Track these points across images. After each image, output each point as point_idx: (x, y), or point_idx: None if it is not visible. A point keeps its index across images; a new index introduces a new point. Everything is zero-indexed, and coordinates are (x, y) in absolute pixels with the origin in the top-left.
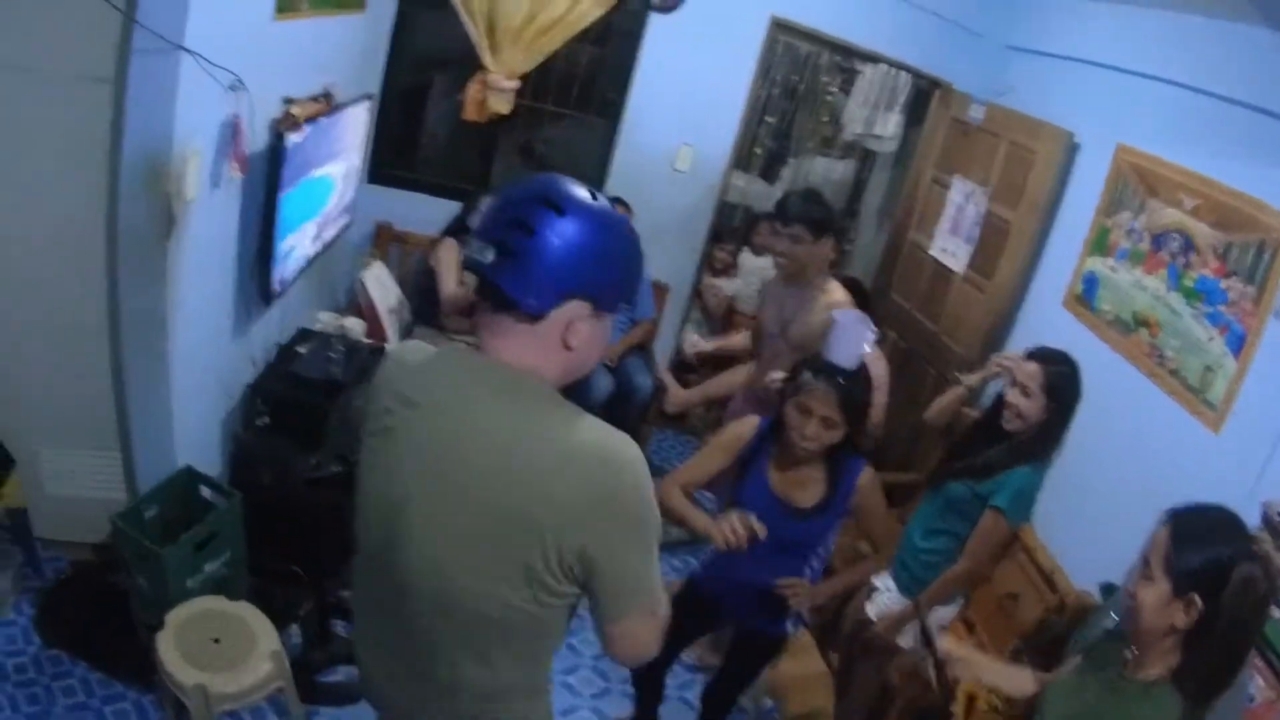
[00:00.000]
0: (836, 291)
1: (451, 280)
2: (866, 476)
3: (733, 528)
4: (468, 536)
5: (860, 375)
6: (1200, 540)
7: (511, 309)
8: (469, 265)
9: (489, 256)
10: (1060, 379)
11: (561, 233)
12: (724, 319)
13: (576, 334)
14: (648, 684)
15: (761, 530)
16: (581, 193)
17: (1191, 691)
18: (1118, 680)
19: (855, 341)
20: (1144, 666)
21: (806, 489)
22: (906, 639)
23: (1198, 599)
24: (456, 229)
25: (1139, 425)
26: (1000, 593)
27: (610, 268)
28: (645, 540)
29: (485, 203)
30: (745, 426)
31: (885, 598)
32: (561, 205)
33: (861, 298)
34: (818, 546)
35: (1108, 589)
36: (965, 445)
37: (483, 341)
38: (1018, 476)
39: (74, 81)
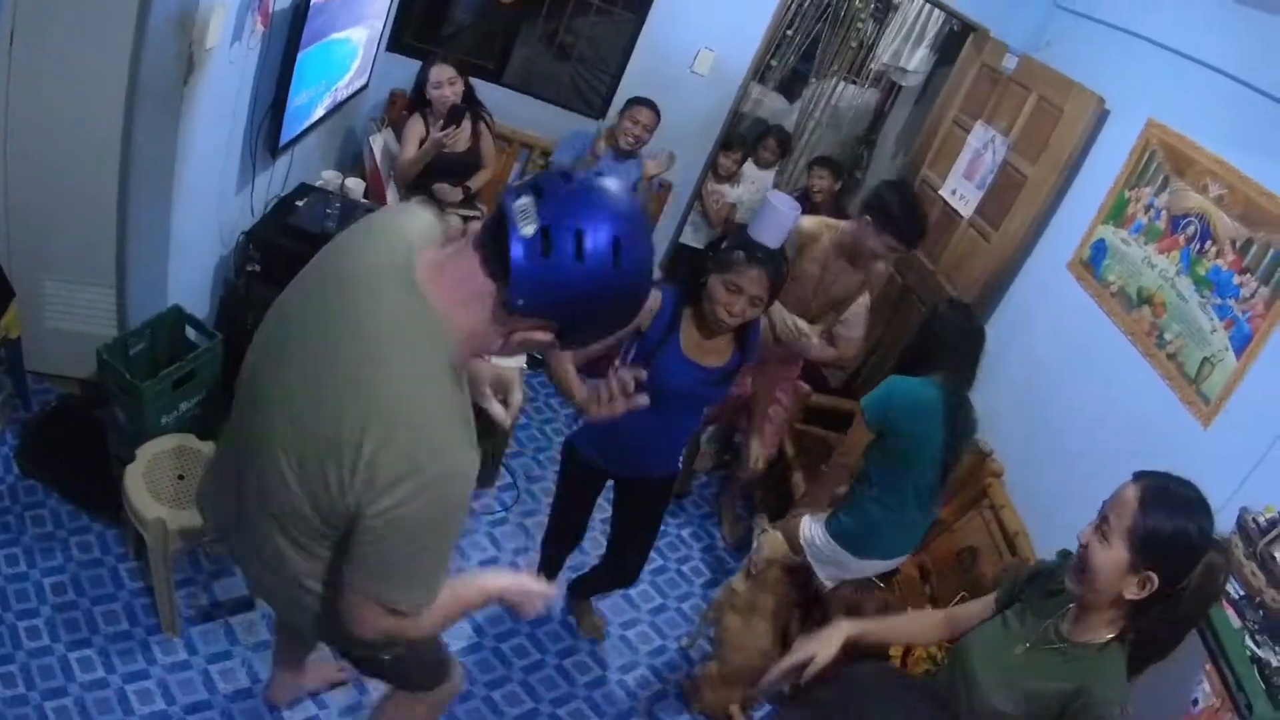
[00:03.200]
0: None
1: (410, 149)
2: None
3: (611, 395)
4: (299, 421)
5: (782, 253)
6: (1170, 511)
7: (497, 281)
8: (503, 212)
9: (530, 230)
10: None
11: (601, 277)
12: (724, 225)
13: (523, 341)
14: (553, 565)
15: (643, 400)
16: (644, 248)
17: (1136, 659)
18: (1056, 640)
19: (783, 222)
20: (1084, 630)
21: (716, 353)
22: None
23: (1155, 577)
24: (417, 99)
25: (1129, 404)
26: (959, 545)
27: (603, 324)
28: (420, 539)
29: (436, 72)
30: (653, 300)
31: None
32: (622, 257)
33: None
34: (700, 407)
35: (1064, 554)
36: None
37: (441, 268)
38: (893, 381)
39: None
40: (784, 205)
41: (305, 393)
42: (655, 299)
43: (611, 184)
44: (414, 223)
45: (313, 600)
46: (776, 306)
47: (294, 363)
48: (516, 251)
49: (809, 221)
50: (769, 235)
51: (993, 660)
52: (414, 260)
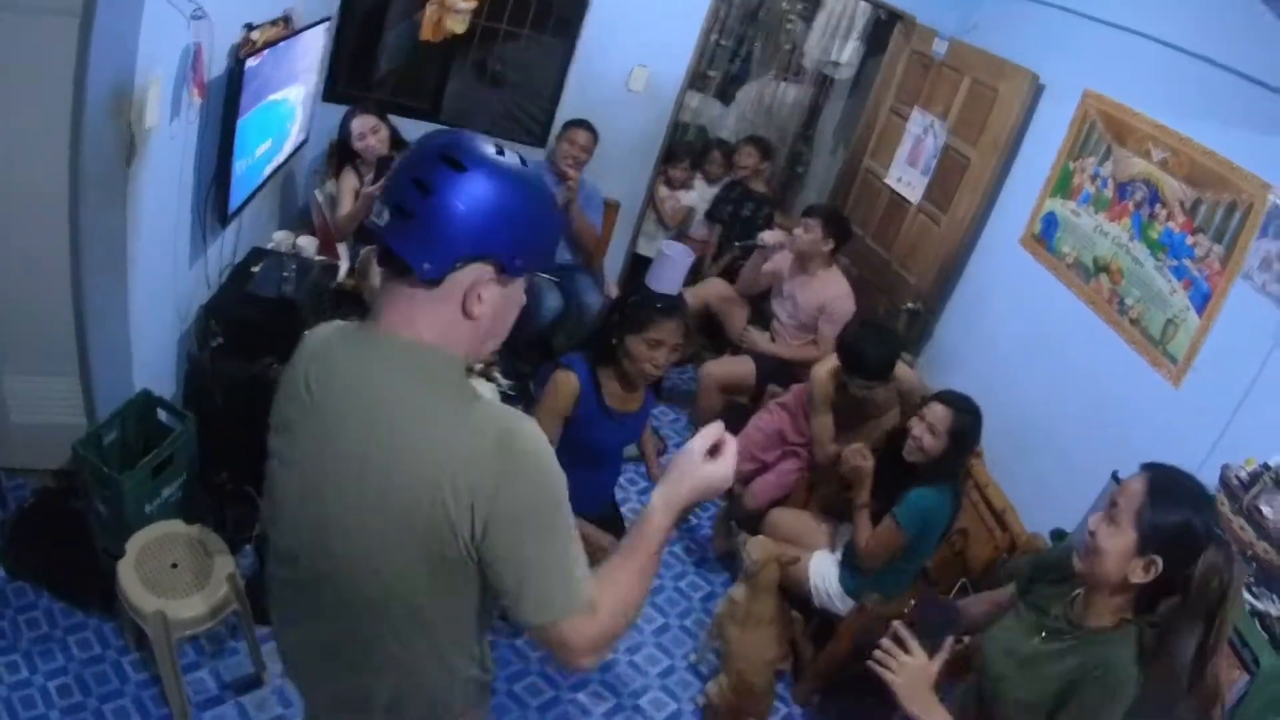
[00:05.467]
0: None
1: (345, 204)
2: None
3: None
4: (375, 526)
5: (681, 299)
6: (1175, 501)
7: (407, 274)
8: (370, 229)
9: (384, 218)
10: (966, 425)
11: (462, 191)
12: (680, 227)
13: (480, 301)
14: None
15: None
16: (487, 149)
17: (1150, 646)
18: (1067, 627)
19: (679, 271)
20: (1093, 615)
21: (635, 399)
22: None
23: (1159, 561)
24: (344, 152)
25: (1097, 372)
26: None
27: (517, 227)
28: (549, 525)
29: (358, 124)
30: (569, 384)
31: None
32: (463, 162)
33: (842, 227)
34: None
35: (1058, 535)
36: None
37: (383, 313)
38: (919, 493)
39: (41, 14)
40: (678, 254)
41: (362, 495)
42: (571, 381)
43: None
44: (349, 326)
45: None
46: (750, 330)
47: (328, 477)
48: (390, 238)
49: (821, 373)
50: (669, 284)
51: (1012, 655)
52: (365, 330)
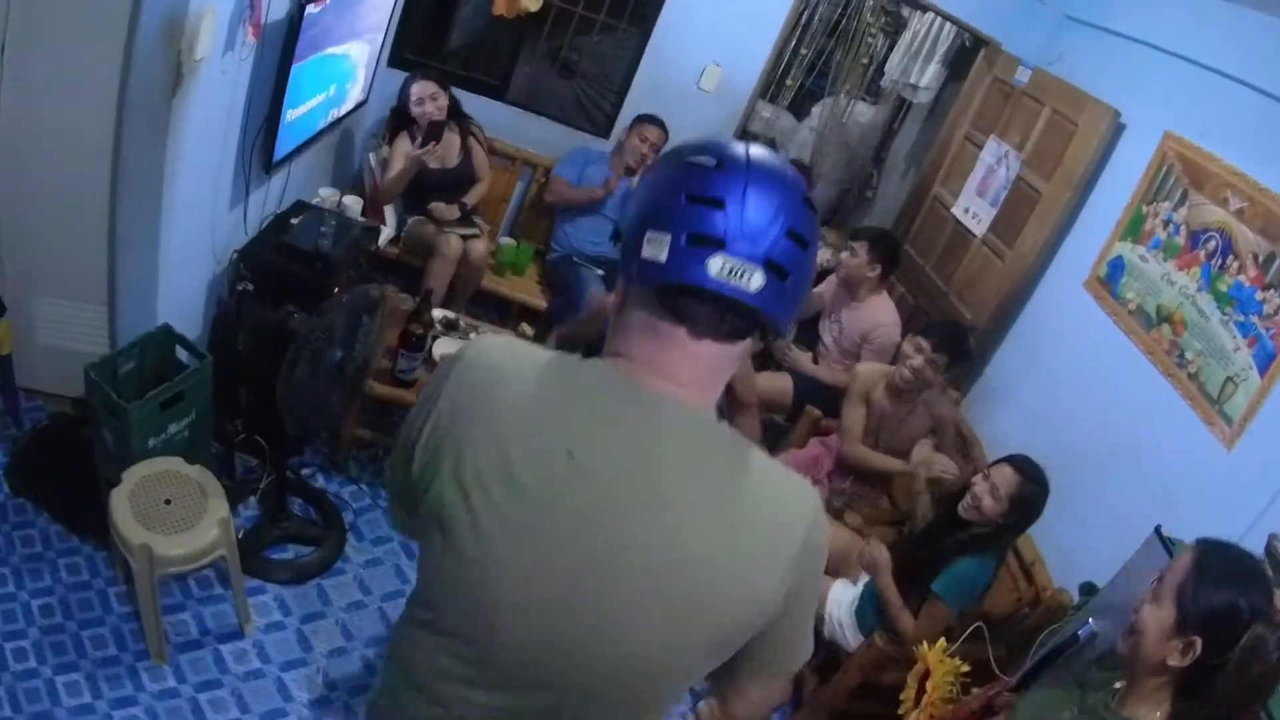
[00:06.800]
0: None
1: (395, 167)
2: None
3: None
4: (679, 635)
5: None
6: (1222, 580)
7: (746, 336)
8: (717, 288)
9: (758, 280)
10: (1031, 497)
11: (817, 233)
12: None
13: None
14: None
15: None
16: (800, 180)
17: None
18: (1105, 713)
19: None
20: (1132, 702)
21: None
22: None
23: (1199, 643)
24: (402, 117)
25: (1148, 424)
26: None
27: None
28: (817, 596)
29: (418, 88)
30: None
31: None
32: (813, 201)
33: (890, 253)
34: None
35: (1088, 589)
36: (924, 531)
37: (646, 361)
38: (962, 566)
39: None
40: None
41: (664, 607)
42: None
43: (731, 158)
44: (536, 355)
45: None
46: (793, 349)
47: (619, 576)
48: (767, 305)
49: (866, 368)
50: None
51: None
52: (629, 398)
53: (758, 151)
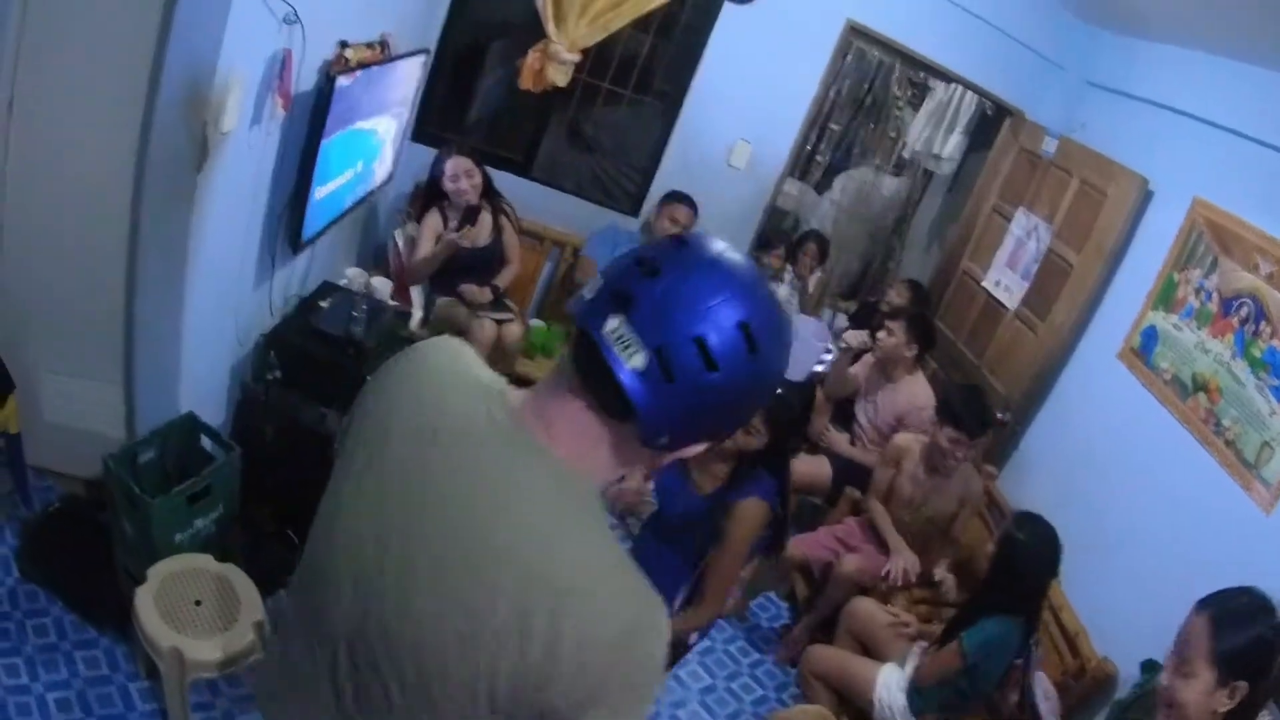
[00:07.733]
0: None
1: (425, 247)
2: (750, 508)
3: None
4: (421, 615)
5: (802, 388)
6: (1241, 622)
7: (622, 420)
8: (600, 344)
9: (640, 361)
10: (1015, 543)
11: (742, 372)
12: None
13: (673, 460)
14: None
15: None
16: (771, 310)
17: None
18: None
19: (808, 354)
20: None
21: (708, 476)
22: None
23: (1244, 685)
24: (432, 193)
25: (1186, 492)
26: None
27: (758, 406)
28: (639, 712)
29: (453, 164)
30: None
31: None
32: (756, 339)
33: (927, 332)
34: (692, 543)
35: (1149, 666)
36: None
37: (539, 415)
38: (991, 623)
39: None
40: (807, 333)
41: (426, 579)
42: None
43: (699, 245)
44: (474, 366)
45: None
46: (830, 430)
47: (393, 541)
48: (635, 392)
49: (902, 438)
50: (792, 367)
51: None
52: (506, 412)
53: (736, 259)
